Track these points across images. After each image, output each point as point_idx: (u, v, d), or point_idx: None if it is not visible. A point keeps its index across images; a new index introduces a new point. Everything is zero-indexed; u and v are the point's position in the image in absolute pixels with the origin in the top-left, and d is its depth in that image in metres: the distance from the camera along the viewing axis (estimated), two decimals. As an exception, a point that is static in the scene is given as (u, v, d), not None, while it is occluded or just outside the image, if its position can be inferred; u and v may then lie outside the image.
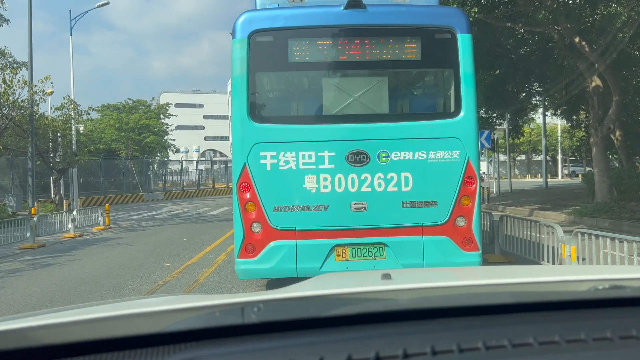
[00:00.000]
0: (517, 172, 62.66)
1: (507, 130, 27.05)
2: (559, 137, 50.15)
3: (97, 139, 36.99)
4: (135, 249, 10.99)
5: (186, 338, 0.97)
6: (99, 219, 15.98)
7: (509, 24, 14.72)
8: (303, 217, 5.39)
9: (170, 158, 47.79)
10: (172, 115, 45.18)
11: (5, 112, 18.03)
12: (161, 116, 43.80)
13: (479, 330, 0.95)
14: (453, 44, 5.47)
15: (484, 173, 31.27)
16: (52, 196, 25.31)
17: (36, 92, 19.08)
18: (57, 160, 23.46)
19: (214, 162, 55.21)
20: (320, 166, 5.39)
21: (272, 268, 5.41)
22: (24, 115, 19.13)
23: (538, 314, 1.03)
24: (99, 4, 24.68)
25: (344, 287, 1.34)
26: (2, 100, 17.44)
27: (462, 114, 5.47)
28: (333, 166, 5.39)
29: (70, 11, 25.12)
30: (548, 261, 6.97)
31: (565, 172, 55.34)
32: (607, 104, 15.27)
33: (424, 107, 6.25)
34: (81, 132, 27.69)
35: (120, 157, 37.12)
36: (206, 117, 78.89)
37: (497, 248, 8.40)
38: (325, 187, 5.39)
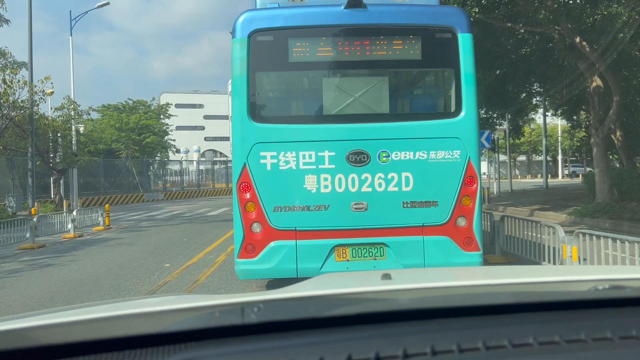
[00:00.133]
0: (517, 172, 62.67)
1: (507, 131, 27.06)
2: (560, 138, 50.13)
3: (97, 139, 37.01)
4: (135, 249, 10.99)
5: (186, 338, 0.97)
6: (99, 219, 15.98)
7: (510, 24, 14.72)
8: (303, 217, 5.39)
9: (170, 158, 47.81)
10: (172, 116, 45.19)
11: (5, 112, 18.04)
12: (161, 116, 43.80)
13: (479, 330, 0.95)
14: (454, 44, 5.47)
15: (484, 173, 31.27)
16: (52, 196, 25.32)
17: (36, 92, 19.11)
18: (57, 160, 23.48)
19: (214, 163, 55.27)
20: (320, 166, 5.39)
21: (272, 268, 5.41)
22: (24, 116, 19.14)
23: (538, 314, 1.03)
24: (99, 4, 24.70)
25: (344, 287, 1.34)
26: (2, 101, 17.45)
27: (462, 113, 5.46)
28: (333, 166, 5.39)
29: (70, 11, 25.22)
30: (549, 262, 6.96)
31: (566, 172, 55.34)
32: (608, 104, 15.26)
33: (425, 106, 6.25)
34: (81, 132, 27.69)
35: (120, 158, 37.12)
36: (206, 117, 78.91)
37: (498, 248, 8.40)
38: (326, 187, 5.38)
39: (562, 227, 6.79)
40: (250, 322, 0.99)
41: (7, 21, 22.86)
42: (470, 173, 5.43)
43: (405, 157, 5.41)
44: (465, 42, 5.47)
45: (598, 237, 6.23)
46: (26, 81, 18.36)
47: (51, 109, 24.92)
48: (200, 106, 79.62)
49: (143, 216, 20.80)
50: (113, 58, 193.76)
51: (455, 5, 10.25)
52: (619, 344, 0.90)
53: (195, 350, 0.94)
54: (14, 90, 17.64)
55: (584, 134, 25.43)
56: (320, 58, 5.74)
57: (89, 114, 26.74)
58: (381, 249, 5.42)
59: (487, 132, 18.58)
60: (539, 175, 51.21)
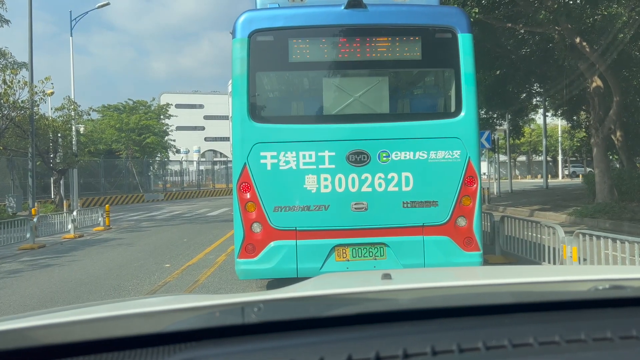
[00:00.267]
0: (517, 172, 62.65)
1: (507, 131, 27.05)
2: (560, 138, 50.10)
3: (98, 139, 36.98)
4: (135, 249, 10.99)
5: (186, 338, 0.97)
6: (99, 219, 15.99)
7: (510, 25, 14.72)
8: (303, 217, 5.39)
9: (170, 158, 47.81)
10: (172, 116, 45.20)
11: (5, 112, 18.04)
12: (161, 117, 43.81)
13: (479, 330, 0.95)
14: (454, 44, 5.47)
15: (484, 173, 31.25)
16: (52, 197, 25.30)
17: (36, 92, 19.12)
18: (58, 160, 23.48)
19: (214, 163, 55.30)
20: (320, 166, 5.39)
21: (272, 268, 5.41)
22: (24, 116, 19.14)
23: (538, 314, 1.03)
24: (99, 4, 24.71)
25: (344, 287, 1.34)
26: (2, 101, 17.46)
27: (462, 113, 5.47)
28: (333, 166, 5.39)
29: (70, 12, 25.26)
30: (549, 262, 6.96)
31: (566, 172, 55.31)
32: (608, 105, 15.26)
33: (425, 106, 6.25)
34: (81, 132, 27.68)
35: (120, 158, 37.13)
36: (206, 117, 78.93)
37: (498, 249, 8.40)
38: (326, 187, 5.38)
39: (562, 228, 6.80)
40: (251, 322, 0.99)
41: (7, 21, 22.84)
42: (470, 173, 5.43)
43: (405, 157, 5.41)
44: (465, 42, 5.47)
45: (598, 237, 6.23)
46: (26, 81, 18.36)
47: (51, 109, 24.95)
48: (201, 106, 79.63)
49: (143, 216, 20.79)
50: (113, 58, 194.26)
51: (455, 5, 10.24)
52: (619, 344, 0.90)
53: (195, 350, 0.94)
54: (14, 90, 17.64)
55: (584, 134, 25.43)
56: (321, 58, 5.74)
57: (89, 114, 26.71)
58: (381, 249, 5.43)
59: (487, 133, 18.57)
60: (539, 176, 51.20)
